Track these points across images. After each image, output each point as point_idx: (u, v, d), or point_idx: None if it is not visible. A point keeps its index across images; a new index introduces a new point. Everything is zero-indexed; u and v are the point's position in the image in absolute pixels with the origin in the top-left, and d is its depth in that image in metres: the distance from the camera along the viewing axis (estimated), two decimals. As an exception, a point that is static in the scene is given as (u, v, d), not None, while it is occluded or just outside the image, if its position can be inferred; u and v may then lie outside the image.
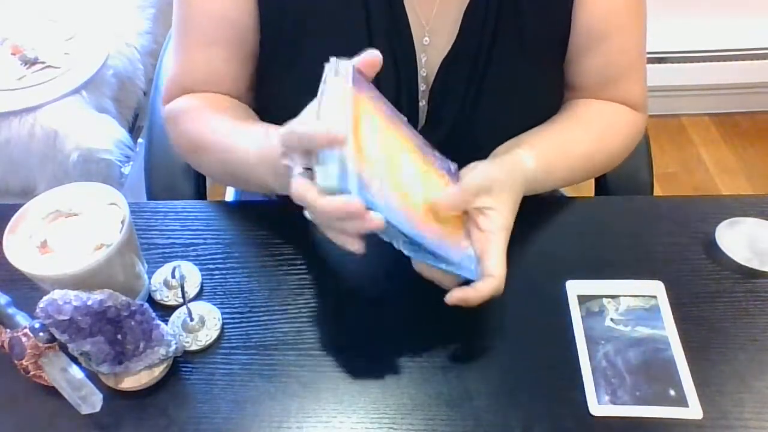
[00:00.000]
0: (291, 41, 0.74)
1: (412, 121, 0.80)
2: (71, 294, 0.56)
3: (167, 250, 0.71)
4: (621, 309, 0.66)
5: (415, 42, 0.75)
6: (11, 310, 0.61)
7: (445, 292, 0.60)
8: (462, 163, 0.82)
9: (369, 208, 0.52)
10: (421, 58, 0.76)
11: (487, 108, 0.77)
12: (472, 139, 0.79)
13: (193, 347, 0.63)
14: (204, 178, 0.91)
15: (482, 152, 0.80)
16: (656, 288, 0.67)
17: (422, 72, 0.77)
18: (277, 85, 0.78)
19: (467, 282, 0.60)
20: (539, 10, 0.74)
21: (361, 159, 0.53)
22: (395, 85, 0.76)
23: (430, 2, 0.74)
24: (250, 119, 0.76)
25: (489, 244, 0.61)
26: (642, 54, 0.81)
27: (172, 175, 0.90)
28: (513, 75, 0.77)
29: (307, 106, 0.57)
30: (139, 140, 1.45)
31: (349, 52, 0.73)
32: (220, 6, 0.74)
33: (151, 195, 0.89)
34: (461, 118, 0.78)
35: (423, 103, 0.79)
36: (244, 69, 0.78)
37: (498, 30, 0.74)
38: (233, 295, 0.67)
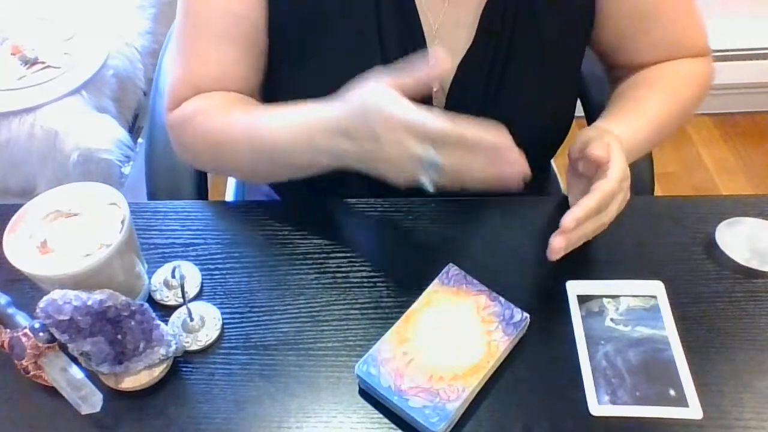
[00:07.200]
0: (300, 42, 0.74)
1: None
2: (71, 294, 0.56)
3: (167, 250, 0.71)
4: (621, 309, 0.66)
5: (428, 44, 0.74)
6: (11, 310, 0.61)
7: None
8: None
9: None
10: None
11: (506, 109, 0.76)
12: None
13: (193, 347, 0.63)
14: (204, 178, 0.90)
15: None
16: (656, 288, 0.67)
17: None
18: (285, 87, 0.77)
19: None
20: (558, 7, 0.74)
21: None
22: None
23: (439, 5, 0.73)
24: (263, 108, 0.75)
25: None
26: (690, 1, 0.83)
27: (173, 175, 0.90)
28: (531, 75, 0.76)
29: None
30: (139, 140, 1.45)
31: (359, 53, 0.72)
32: (232, 4, 0.72)
33: (151, 195, 0.89)
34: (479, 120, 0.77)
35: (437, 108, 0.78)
36: (253, 69, 0.77)
37: (516, 30, 0.74)
38: (233, 295, 0.67)
